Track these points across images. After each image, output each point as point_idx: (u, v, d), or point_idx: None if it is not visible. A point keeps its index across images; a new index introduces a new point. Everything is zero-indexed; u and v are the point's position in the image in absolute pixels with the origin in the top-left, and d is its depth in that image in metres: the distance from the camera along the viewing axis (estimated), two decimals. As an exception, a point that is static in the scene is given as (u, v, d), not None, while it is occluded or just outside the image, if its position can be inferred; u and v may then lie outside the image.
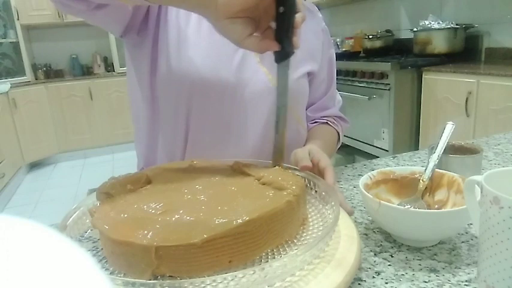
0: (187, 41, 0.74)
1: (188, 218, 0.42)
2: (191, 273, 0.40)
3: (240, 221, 0.41)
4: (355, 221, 0.60)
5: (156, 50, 0.75)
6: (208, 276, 0.38)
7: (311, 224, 0.51)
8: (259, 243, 0.42)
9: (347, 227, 0.49)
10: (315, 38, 0.87)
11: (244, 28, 0.49)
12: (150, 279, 0.39)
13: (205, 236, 0.39)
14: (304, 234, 0.48)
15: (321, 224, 0.50)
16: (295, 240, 0.47)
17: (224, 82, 0.74)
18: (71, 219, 0.49)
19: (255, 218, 0.41)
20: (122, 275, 0.41)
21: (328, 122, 0.91)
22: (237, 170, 0.57)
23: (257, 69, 0.77)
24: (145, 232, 0.40)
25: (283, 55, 0.52)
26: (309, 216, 0.52)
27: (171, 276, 0.40)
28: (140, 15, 0.73)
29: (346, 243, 0.45)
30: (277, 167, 0.57)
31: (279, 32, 0.50)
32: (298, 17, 0.50)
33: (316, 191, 0.55)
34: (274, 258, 0.43)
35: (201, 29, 0.75)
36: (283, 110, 0.57)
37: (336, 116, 0.94)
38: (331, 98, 0.94)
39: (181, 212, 0.44)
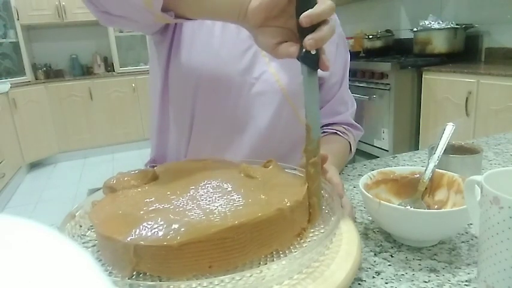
0: (200, 38, 0.76)
1: (174, 218, 0.42)
2: (170, 274, 0.40)
3: (219, 226, 0.40)
4: (355, 221, 0.60)
5: (172, 44, 0.77)
6: (187, 279, 0.38)
7: (312, 230, 0.49)
8: (243, 251, 0.41)
9: (348, 230, 0.48)
10: (329, 43, 0.85)
11: (272, 37, 0.49)
12: (132, 276, 0.40)
13: (179, 238, 0.38)
14: (299, 244, 0.46)
15: (322, 231, 0.48)
16: (286, 251, 0.45)
17: (231, 80, 0.76)
18: (71, 219, 0.50)
19: (235, 225, 0.40)
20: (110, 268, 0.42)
21: (338, 132, 0.85)
22: (243, 173, 0.55)
23: (265, 69, 0.78)
24: (128, 230, 0.41)
25: (308, 59, 0.47)
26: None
27: (151, 274, 0.40)
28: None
29: (347, 245, 0.45)
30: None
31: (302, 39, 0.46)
32: (302, 16, 0.44)
33: (323, 196, 0.54)
34: (259, 266, 0.42)
35: (214, 28, 0.77)
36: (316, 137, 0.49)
37: (347, 124, 0.89)
38: (342, 101, 0.90)
39: (170, 212, 0.44)
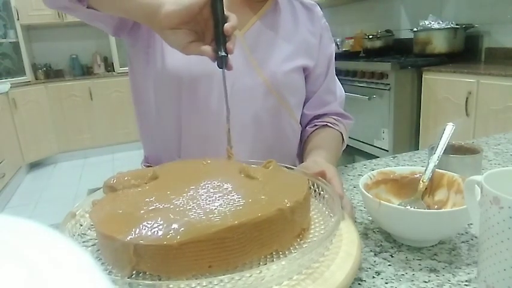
0: None
1: (174, 218, 0.42)
2: (170, 273, 0.40)
3: (219, 226, 0.39)
4: (355, 221, 0.60)
5: (152, 48, 0.77)
6: (187, 279, 0.38)
7: (312, 231, 0.49)
8: (243, 251, 0.41)
9: (348, 231, 0.48)
10: (311, 35, 0.86)
11: (185, 37, 0.58)
12: (132, 275, 0.40)
13: (178, 237, 0.38)
14: (299, 245, 0.46)
15: (322, 232, 0.48)
16: (286, 252, 0.45)
17: (212, 78, 0.76)
18: (72, 218, 0.50)
19: (235, 225, 0.40)
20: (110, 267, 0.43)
21: (329, 124, 0.87)
22: (244, 173, 0.55)
23: (247, 62, 0.78)
24: (128, 229, 0.41)
25: (222, 61, 0.58)
26: (313, 223, 0.51)
27: (151, 274, 0.40)
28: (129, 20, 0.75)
29: (347, 246, 0.45)
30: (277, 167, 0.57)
31: (215, 40, 0.59)
32: (227, 25, 0.56)
33: (324, 197, 0.54)
34: (258, 266, 0.42)
35: None
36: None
37: (336, 114, 0.90)
38: (328, 91, 0.90)
39: (170, 211, 0.44)
